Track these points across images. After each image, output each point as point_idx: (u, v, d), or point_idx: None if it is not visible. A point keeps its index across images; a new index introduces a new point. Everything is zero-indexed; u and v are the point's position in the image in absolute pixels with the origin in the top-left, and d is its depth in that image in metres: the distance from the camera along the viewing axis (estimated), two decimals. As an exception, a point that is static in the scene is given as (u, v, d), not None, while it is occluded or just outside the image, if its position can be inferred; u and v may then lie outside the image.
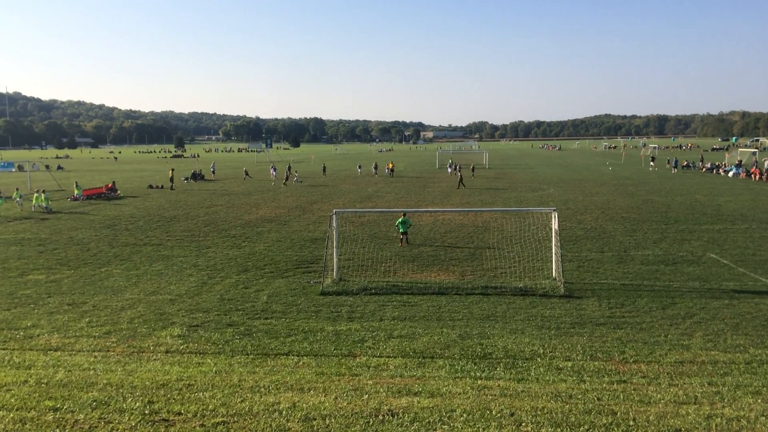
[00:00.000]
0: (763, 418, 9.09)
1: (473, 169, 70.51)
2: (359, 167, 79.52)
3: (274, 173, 70.02)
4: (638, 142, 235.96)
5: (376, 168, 76.19)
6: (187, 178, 69.42)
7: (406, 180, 64.81)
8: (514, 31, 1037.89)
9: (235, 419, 8.88)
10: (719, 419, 8.92)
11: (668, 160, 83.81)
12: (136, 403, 9.62)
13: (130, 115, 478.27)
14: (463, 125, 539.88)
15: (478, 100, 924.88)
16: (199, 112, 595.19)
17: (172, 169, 63.79)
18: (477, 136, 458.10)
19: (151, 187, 60.00)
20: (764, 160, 67.76)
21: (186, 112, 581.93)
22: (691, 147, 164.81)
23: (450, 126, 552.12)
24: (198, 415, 9.06)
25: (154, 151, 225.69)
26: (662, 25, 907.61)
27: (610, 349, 13.56)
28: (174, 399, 9.95)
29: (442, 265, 23.13)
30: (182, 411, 9.26)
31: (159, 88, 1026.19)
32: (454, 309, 17.20)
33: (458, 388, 10.72)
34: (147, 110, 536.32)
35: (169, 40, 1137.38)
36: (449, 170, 70.15)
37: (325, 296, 18.87)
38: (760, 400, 10.05)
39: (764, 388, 10.81)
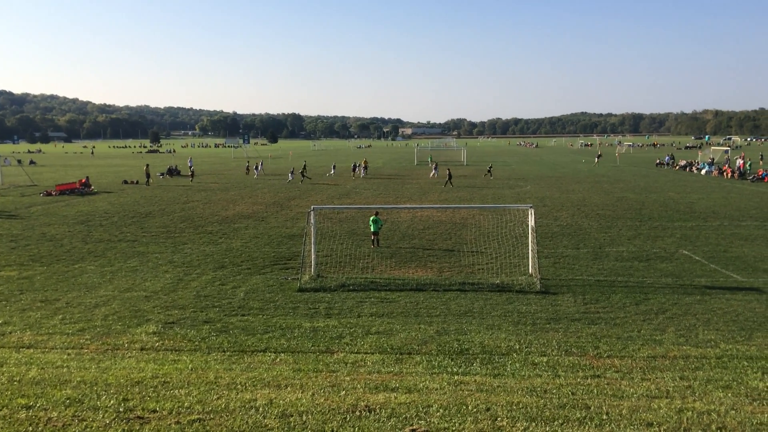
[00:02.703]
0: (733, 411, 9.27)
1: (489, 169, 65.95)
2: (333, 167, 73.57)
3: (257, 171, 67.72)
4: (613, 139, 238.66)
5: (355, 167, 69.87)
6: (162, 174, 68.66)
7: (384, 177, 64.80)
8: (492, 29, 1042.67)
9: (211, 416, 8.83)
10: (690, 413, 9.08)
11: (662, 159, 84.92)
12: (110, 401, 9.52)
13: (105, 109, 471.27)
14: (442, 122, 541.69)
15: (457, 98, 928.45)
16: (175, 106, 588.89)
17: (147, 165, 63.02)
18: (455, 133, 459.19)
19: (125, 182, 59.25)
20: (736, 158, 68.96)
21: (162, 106, 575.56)
22: (656, 145, 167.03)
23: (428, 123, 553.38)
24: (173, 413, 8.99)
25: (129, 146, 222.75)
26: (637, 25, 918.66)
27: (584, 345, 13.74)
28: (149, 396, 9.86)
29: (420, 261, 23.21)
30: (157, 408, 9.18)
31: (134, 82, 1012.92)
32: (432, 305, 17.28)
33: (435, 383, 10.79)
34: (122, 104, 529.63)
35: (144, 33, 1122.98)
36: (433, 172, 64.77)
37: (303, 293, 18.83)
38: (730, 394, 10.26)
39: (734, 383, 11.03)
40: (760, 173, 57.04)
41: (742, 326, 15.13)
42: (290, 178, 61.50)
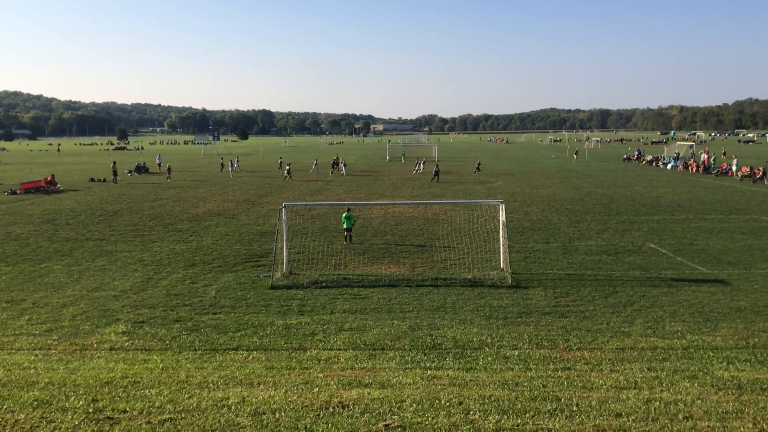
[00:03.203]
0: (699, 401, 9.47)
1: (479, 166, 65.64)
2: (315, 164, 71.30)
3: (232, 168, 66.35)
4: (582, 135, 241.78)
5: (335, 164, 67.92)
6: (130, 171, 67.59)
7: (356, 174, 64.67)
8: (463, 26, 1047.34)
9: (183, 415, 8.73)
10: (658, 403, 9.26)
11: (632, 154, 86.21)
12: (79, 402, 9.36)
13: (70, 105, 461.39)
14: (413, 118, 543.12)
15: (428, 94, 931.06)
16: (143, 103, 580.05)
17: (115, 162, 61.94)
18: (426, 129, 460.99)
19: (92, 180, 58.18)
20: (700, 153, 70.41)
21: (129, 103, 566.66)
22: (623, 140, 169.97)
23: (400, 119, 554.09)
24: (144, 413, 8.87)
25: (96, 144, 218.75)
26: (604, 24, 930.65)
27: (555, 338, 13.92)
28: (119, 397, 9.71)
29: (392, 257, 23.25)
30: (127, 408, 9.05)
31: (100, 78, 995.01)
32: (405, 301, 17.33)
33: (408, 378, 10.82)
34: (88, 101, 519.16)
35: (109, 28, 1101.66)
36: (417, 167, 64.30)
37: (275, 290, 18.72)
38: (696, 384, 10.48)
39: (700, 373, 11.28)
40: (724, 167, 58.33)
41: (707, 317, 15.47)
42: (314, 169, 63.71)
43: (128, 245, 26.03)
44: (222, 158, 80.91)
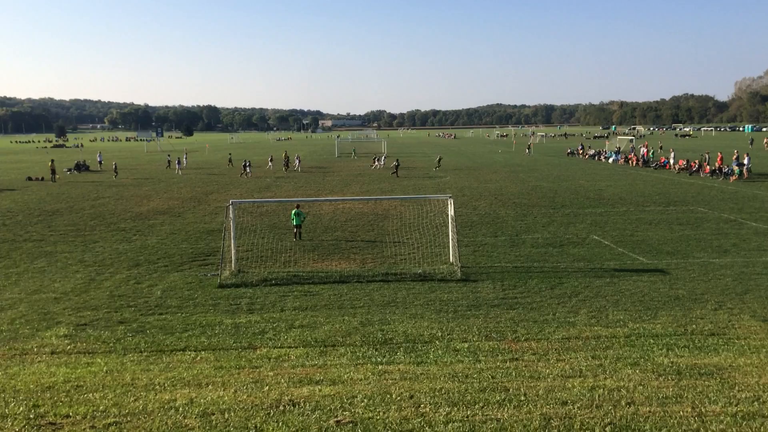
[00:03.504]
0: (641, 387, 9.80)
1: (439, 161, 65.45)
2: (270, 160, 69.03)
3: (179, 165, 64.27)
4: (527, 130, 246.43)
5: (287, 161, 65.84)
6: (70, 170, 65.41)
7: (305, 170, 64.19)
8: (411, 22, 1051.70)
9: (128, 419, 8.52)
10: (602, 390, 9.54)
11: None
12: (19, 408, 9.03)
13: (5, 102, 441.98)
14: (362, 114, 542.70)
15: (377, 90, 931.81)
16: (82, 99, 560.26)
17: (53, 160, 59.75)
18: (375, 124, 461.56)
19: (30, 179, 56.05)
20: (640, 147, 72.71)
21: (67, 99, 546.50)
22: (566, 135, 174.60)
23: (349, 115, 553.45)
24: (88, 417, 8.62)
25: (33, 141, 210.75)
26: (549, 21, 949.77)
27: (503, 329, 14.16)
28: (62, 401, 9.41)
29: (343, 253, 23.21)
30: (71, 413, 8.78)
31: (36, 73, 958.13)
32: (356, 297, 17.33)
33: (359, 374, 10.84)
34: (24, 97, 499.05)
35: (43, 20, 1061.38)
36: (378, 162, 64.41)
37: (224, 289, 18.45)
38: (638, 371, 10.83)
39: (641, 359, 11.66)
40: (662, 161, 60.40)
41: (648, 306, 16.00)
42: (270, 165, 63.34)
43: (69, 246, 25.20)
44: (169, 155, 78.95)
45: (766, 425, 8.16)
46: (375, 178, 53.47)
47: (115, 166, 60.20)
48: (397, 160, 59.86)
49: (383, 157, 67.75)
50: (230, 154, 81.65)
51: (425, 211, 30.57)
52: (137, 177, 58.03)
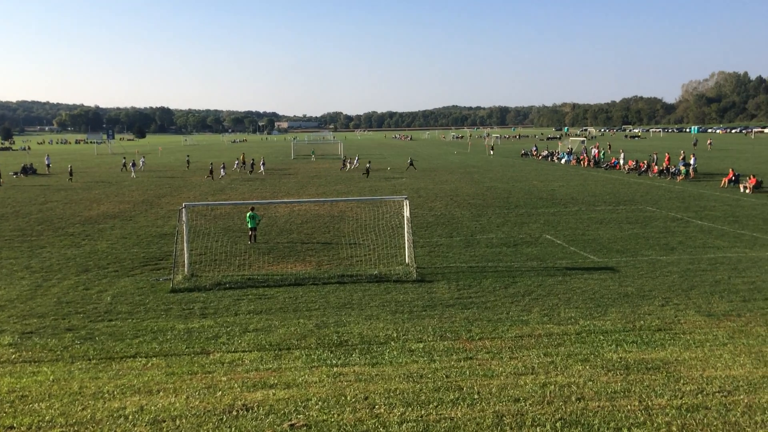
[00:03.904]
0: (591, 382, 10.02)
1: (412, 162, 65.80)
2: (236, 163, 68.19)
3: (134, 168, 62.96)
4: (483, 132, 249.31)
5: (252, 164, 64.97)
6: (16, 173, 63.29)
7: (260, 172, 63.50)
8: (367, 24, 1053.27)
9: (76, 428, 8.28)
10: (553, 386, 9.72)
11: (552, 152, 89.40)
12: (-42, 422, 8.69)
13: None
14: (318, 115, 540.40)
15: (333, 91, 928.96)
16: (29, 100, 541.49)
17: (-2, 163, 57.75)
18: (332, 126, 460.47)
19: (-28, 183, 53.99)
20: (591, 148, 74.34)
21: (14, 100, 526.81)
22: (519, 137, 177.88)
23: (305, 116, 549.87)
24: (33, 428, 8.34)
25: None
26: (503, 25, 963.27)
27: (458, 329, 14.28)
28: (5, 412, 9.09)
29: (298, 256, 23.06)
30: (15, 425, 8.48)
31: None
32: (311, 299, 17.24)
33: (314, 377, 10.78)
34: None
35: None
36: (351, 164, 65.27)
37: (176, 293, 18.11)
38: (588, 367, 11.07)
39: (592, 356, 11.92)
40: (613, 161, 61.90)
41: (598, 303, 16.37)
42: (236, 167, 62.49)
43: (14, 251, 24.37)
44: (124, 157, 77.18)
45: (709, 417, 8.43)
46: (331, 179, 53.30)
47: (71, 169, 58.38)
48: (369, 161, 61.65)
49: (356, 159, 68.08)
50: (188, 156, 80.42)
51: (381, 212, 30.63)
52: (87, 180, 56.48)
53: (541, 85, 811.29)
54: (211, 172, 57.33)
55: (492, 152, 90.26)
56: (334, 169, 66.09)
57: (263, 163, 64.55)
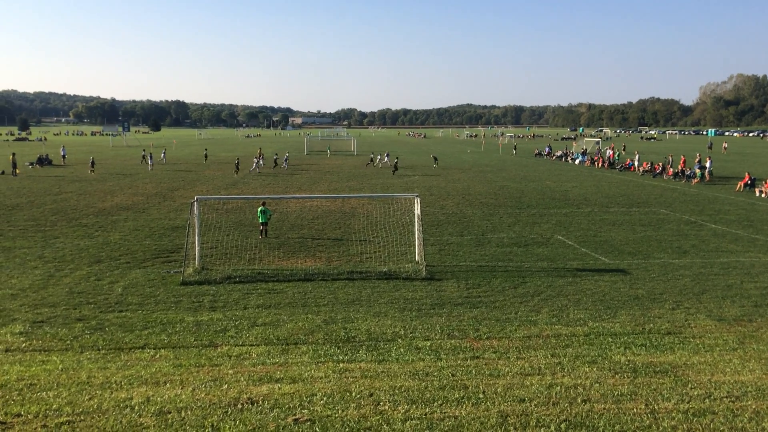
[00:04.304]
0: (597, 384, 9.97)
1: (435, 159, 66.53)
2: (257, 159, 63.57)
3: (150, 162, 62.50)
4: (497, 130, 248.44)
5: (277, 160, 64.09)
6: (32, 163, 63.89)
7: (274, 168, 63.70)
8: (384, 20, 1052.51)
9: (82, 418, 8.36)
10: (559, 387, 9.68)
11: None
12: (-33, 408, 8.80)
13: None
14: (332, 112, 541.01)
15: (347, 88, 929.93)
16: (47, 91, 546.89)
17: (14, 153, 58.22)
18: (346, 122, 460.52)
19: (-11, 172, 54.62)
20: (606, 149, 73.87)
21: (31, 91, 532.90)
22: (534, 136, 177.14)
23: (319, 112, 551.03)
24: (40, 416, 8.43)
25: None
26: (520, 24, 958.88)
27: (466, 328, 14.25)
28: (13, 400, 9.19)
29: (308, 251, 23.11)
30: (22, 412, 8.58)
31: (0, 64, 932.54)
32: (320, 295, 17.27)
33: (320, 372, 10.81)
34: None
35: (9, 11, 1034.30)
36: (380, 160, 64.70)
37: (186, 286, 18.21)
38: (595, 369, 11.02)
39: (599, 358, 11.86)
40: (627, 163, 61.47)
41: (608, 305, 16.27)
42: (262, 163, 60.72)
43: (28, 241, 24.62)
44: (144, 150, 77.81)
45: (716, 422, 8.36)
46: (344, 176, 53.34)
47: (92, 161, 58.91)
48: (397, 158, 61.44)
49: (386, 155, 67.53)
50: (206, 149, 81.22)
51: (393, 209, 30.62)
52: (103, 172, 56.91)
53: (557, 85, 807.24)
54: (237, 166, 57.53)
55: (515, 151, 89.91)
56: (347, 165, 66.13)
57: (286, 159, 64.43)
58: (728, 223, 28.95)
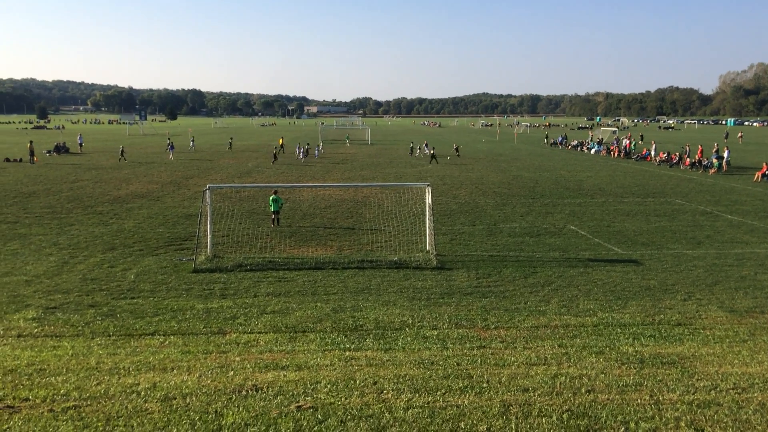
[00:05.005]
0: (603, 375, 9.94)
1: (457, 149, 65.94)
2: (305, 147, 63.28)
3: (171, 150, 62.73)
4: (513, 120, 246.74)
5: (306, 151, 61.27)
6: (49, 151, 64.58)
7: (289, 156, 63.80)
8: (399, 9, 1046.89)
9: (88, 402, 8.49)
10: (564, 378, 9.65)
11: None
12: (-22, 392, 8.97)
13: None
14: (347, 101, 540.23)
15: (363, 77, 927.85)
16: (65, 80, 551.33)
17: (31, 141, 58.87)
18: (361, 111, 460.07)
19: (8, 160, 55.26)
20: (622, 139, 73.12)
21: (50, 79, 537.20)
22: (549, 125, 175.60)
23: (334, 101, 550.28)
24: (47, 401, 8.58)
25: (14, 122, 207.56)
26: (536, 12, 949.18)
27: (474, 317, 14.24)
28: (22, 385, 9.36)
29: (320, 240, 23.18)
30: (30, 397, 8.73)
31: (18, 52, 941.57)
32: (330, 283, 17.33)
33: (326, 360, 10.87)
34: (5, 77, 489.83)
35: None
36: (422, 150, 65.06)
37: (198, 274, 18.36)
38: (602, 359, 10.97)
39: (607, 348, 11.80)
40: (644, 152, 60.83)
41: (618, 296, 16.16)
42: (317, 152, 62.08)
43: (43, 228, 24.94)
44: (169, 138, 78.80)
45: (720, 413, 8.31)
46: (357, 164, 53.31)
47: (122, 149, 59.54)
48: (434, 147, 61.86)
49: (425, 144, 67.64)
50: (231, 138, 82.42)
51: (405, 198, 30.59)
52: (116, 161, 57.35)
53: (574, 74, 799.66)
54: (275, 155, 57.79)
55: (546, 140, 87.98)
56: (361, 154, 66.07)
57: (318, 148, 64.32)
58: (744, 213, 28.60)
